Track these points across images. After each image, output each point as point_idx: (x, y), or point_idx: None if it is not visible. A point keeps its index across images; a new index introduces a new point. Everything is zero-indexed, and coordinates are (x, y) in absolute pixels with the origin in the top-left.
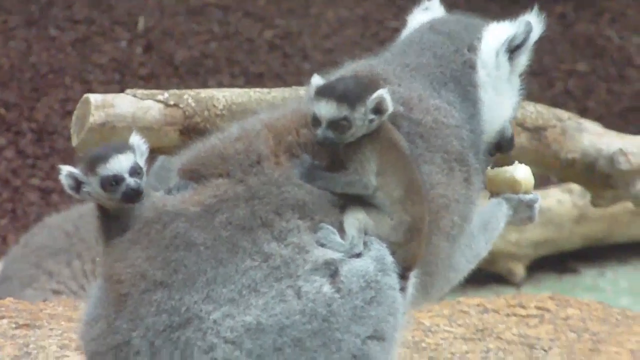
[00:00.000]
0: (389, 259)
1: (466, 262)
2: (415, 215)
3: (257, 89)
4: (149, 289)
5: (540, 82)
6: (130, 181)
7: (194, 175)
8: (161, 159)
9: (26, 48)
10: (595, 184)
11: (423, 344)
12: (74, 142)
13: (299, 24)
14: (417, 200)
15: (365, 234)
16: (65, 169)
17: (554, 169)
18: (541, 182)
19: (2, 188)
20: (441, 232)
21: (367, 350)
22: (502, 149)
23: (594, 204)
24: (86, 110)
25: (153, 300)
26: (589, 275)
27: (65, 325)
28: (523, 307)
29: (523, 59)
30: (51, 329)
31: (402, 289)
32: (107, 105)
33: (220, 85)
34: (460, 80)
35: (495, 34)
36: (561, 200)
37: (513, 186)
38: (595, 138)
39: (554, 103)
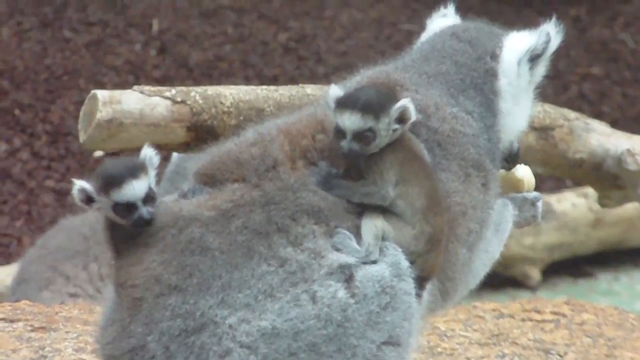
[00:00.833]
0: (405, 264)
1: (483, 265)
2: (436, 226)
3: (265, 87)
4: (164, 293)
5: (555, 86)
6: (143, 211)
7: (209, 180)
8: (174, 162)
9: (41, 50)
10: (602, 184)
11: (439, 349)
12: (81, 138)
13: (313, 26)
14: (438, 211)
15: (383, 239)
16: (78, 184)
17: (561, 169)
18: (556, 185)
19: (17, 190)
20: (458, 239)
21: (382, 356)
22: (507, 161)
23: (601, 204)
24: (94, 107)
25: (168, 304)
26: (604, 280)
27: (81, 328)
28: (538, 312)
29: (541, 70)
30: (67, 332)
31: (418, 295)
32: (114, 102)
33: None
34: (482, 88)
35: (517, 43)
36: (576, 204)
37: (516, 186)
38: (603, 138)
39: (569, 107)
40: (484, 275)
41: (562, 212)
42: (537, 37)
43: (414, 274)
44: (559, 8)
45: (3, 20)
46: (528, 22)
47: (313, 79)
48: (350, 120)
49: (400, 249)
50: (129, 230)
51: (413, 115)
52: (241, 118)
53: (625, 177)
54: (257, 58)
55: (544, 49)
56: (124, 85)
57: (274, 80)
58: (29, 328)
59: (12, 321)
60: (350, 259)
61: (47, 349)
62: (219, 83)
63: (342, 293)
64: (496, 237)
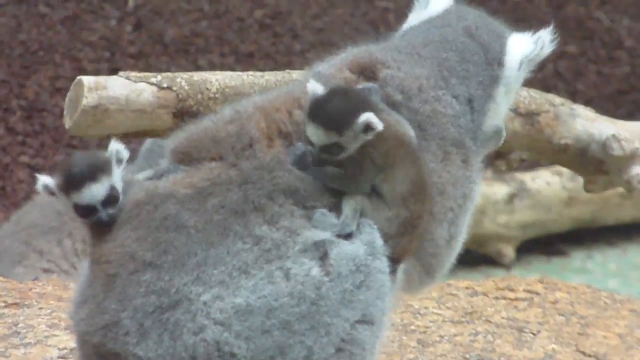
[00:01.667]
0: (379, 242)
1: (463, 236)
2: (414, 212)
3: (251, 73)
4: (138, 270)
5: None
6: (102, 214)
7: (185, 158)
8: (149, 141)
9: (16, 25)
10: (587, 169)
11: (412, 327)
12: (67, 124)
13: (289, 3)
14: (419, 199)
15: (361, 215)
16: (42, 180)
17: (546, 154)
18: (530, 164)
19: None
20: (435, 218)
21: (355, 335)
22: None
23: (587, 189)
24: (79, 93)
25: (142, 281)
26: (577, 258)
27: (55, 304)
28: (512, 290)
29: (530, 69)
30: (40, 308)
31: (392, 273)
32: (100, 88)
33: (210, 64)
34: (485, 86)
35: (518, 49)
36: (550, 182)
37: None
38: (588, 123)
39: (544, 85)
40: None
41: (536, 190)
42: (535, 43)
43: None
44: None
45: None
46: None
47: (289, 55)
48: (316, 135)
49: (375, 227)
50: None
51: (379, 126)
52: (227, 104)
53: (610, 162)
54: (233, 34)
55: (539, 54)
56: (99, 61)
57: (250, 57)
58: (2, 304)
59: None
60: (324, 235)
61: (20, 325)
62: (195, 59)
63: (316, 271)
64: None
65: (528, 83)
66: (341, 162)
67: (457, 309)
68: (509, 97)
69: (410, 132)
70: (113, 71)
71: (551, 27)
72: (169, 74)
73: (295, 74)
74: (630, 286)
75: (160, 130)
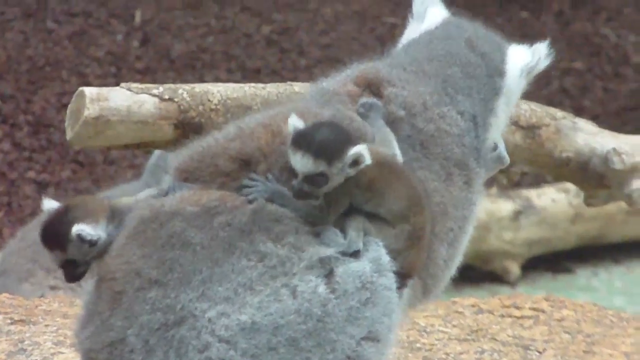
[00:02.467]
0: (386, 259)
1: (460, 257)
2: (416, 224)
3: (252, 84)
4: (144, 287)
5: (537, 80)
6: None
7: (189, 176)
8: (155, 156)
9: (23, 40)
10: (589, 183)
11: (418, 344)
12: (68, 135)
13: (296, 19)
14: (418, 210)
15: (365, 234)
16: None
17: (547, 168)
18: (536, 181)
19: None
20: (437, 237)
21: (361, 351)
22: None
23: (587, 203)
24: (81, 104)
25: (148, 298)
26: (583, 275)
27: (61, 321)
28: (518, 308)
29: (527, 82)
30: (46, 325)
31: (399, 289)
32: (101, 99)
33: (216, 79)
34: (487, 100)
35: (517, 61)
36: (556, 199)
37: None
38: (589, 137)
39: (550, 101)
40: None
41: (542, 207)
42: (532, 55)
43: (394, 269)
44: (541, 2)
45: None
46: (511, 16)
47: (296, 71)
48: (302, 163)
49: (381, 244)
50: None
51: (368, 160)
52: (229, 115)
53: (611, 176)
54: (239, 50)
55: (536, 66)
56: (106, 76)
57: (256, 73)
58: (9, 321)
59: None
60: (330, 251)
61: (26, 342)
62: (201, 75)
63: (322, 288)
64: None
65: (533, 98)
66: (318, 196)
67: (463, 327)
68: (509, 108)
69: (390, 150)
70: None
71: (548, 41)
72: (170, 85)
73: (297, 87)
74: (636, 304)
75: (162, 142)
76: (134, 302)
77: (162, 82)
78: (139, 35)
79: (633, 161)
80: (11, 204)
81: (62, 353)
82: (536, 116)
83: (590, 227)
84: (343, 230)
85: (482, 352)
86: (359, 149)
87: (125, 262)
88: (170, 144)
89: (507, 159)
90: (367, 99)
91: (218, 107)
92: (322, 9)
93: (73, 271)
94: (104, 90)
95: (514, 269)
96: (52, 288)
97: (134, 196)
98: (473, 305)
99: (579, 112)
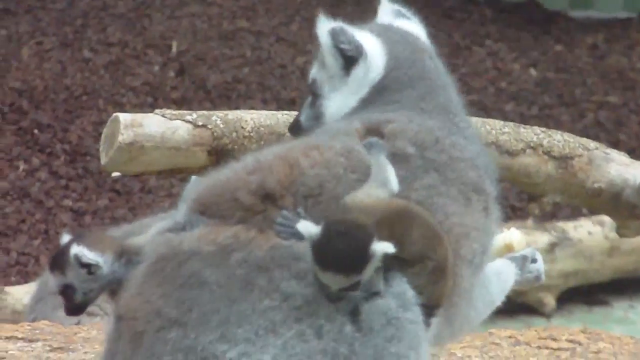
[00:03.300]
0: (410, 293)
1: (483, 304)
2: (439, 257)
3: (285, 112)
4: (164, 327)
5: (571, 114)
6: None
7: (206, 210)
8: (193, 180)
9: (60, 70)
10: (621, 213)
11: None
12: (103, 160)
13: None
14: (436, 243)
15: (388, 270)
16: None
17: (579, 198)
18: (573, 213)
19: (35, 209)
20: (463, 260)
21: None
22: None
23: (620, 234)
24: (115, 129)
25: (168, 338)
26: (619, 308)
27: (99, 349)
28: (554, 339)
29: None
30: (85, 353)
31: (426, 323)
32: (135, 125)
33: (252, 109)
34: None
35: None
36: (592, 232)
37: (507, 251)
38: (622, 168)
39: (585, 134)
40: (483, 319)
41: (578, 240)
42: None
43: (420, 302)
44: (576, 36)
45: (24, 40)
46: (545, 50)
47: None
48: (335, 281)
49: (404, 279)
50: None
51: (390, 250)
52: (262, 143)
53: None
54: (274, 81)
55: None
56: (142, 106)
57: (291, 103)
58: (48, 348)
59: (30, 341)
60: (355, 293)
61: None
62: (236, 105)
63: (348, 327)
64: (497, 282)
65: (568, 130)
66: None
67: (500, 358)
68: None
69: (385, 188)
70: None
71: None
72: (204, 112)
73: None
74: None
75: (195, 168)
76: (155, 343)
77: None
78: (175, 66)
79: None
80: (48, 231)
81: None
82: (569, 147)
83: (627, 260)
84: None
85: None
86: (380, 247)
87: (145, 301)
88: (204, 170)
89: (543, 278)
90: (367, 140)
91: (251, 134)
92: None
93: (72, 299)
94: (138, 116)
95: (550, 300)
96: (89, 314)
97: (148, 231)
98: (510, 337)
99: (614, 145)
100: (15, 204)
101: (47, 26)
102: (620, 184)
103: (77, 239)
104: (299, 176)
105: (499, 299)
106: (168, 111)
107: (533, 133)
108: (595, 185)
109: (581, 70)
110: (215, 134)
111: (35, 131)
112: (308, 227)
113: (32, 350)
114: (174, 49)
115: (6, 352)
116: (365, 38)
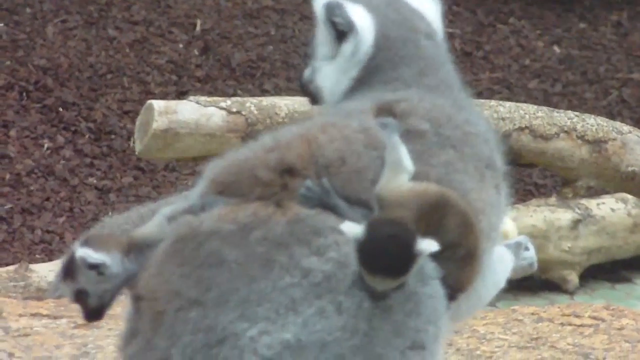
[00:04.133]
0: (429, 266)
1: (492, 283)
2: (470, 244)
3: None
4: (184, 307)
5: (595, 91)
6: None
7: (225, 189)
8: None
9: (85, 48)
10: None
11: (478, 352)
12: (138, 148)
13: None
14: (469, 231)
15: None
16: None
17: (613, 182)
18: (595, 190)
19: (60, 187)
20: (482, 234)
21: None
22: None
23: None
24: (149, 117)
25: (189, 318)
26: None
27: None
28: (577, 316)
29: None
30: (110, 329)
31: (449, 301)
32: (170, 112)
33: (276, 88)
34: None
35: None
36: (615, 209)
37: (504, 238)
38: None
39: (609, 112)
40: (484, 305)
41: (601, 217)
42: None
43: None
44: (600, 13)
45: (48, 19)
46: (569, 27)
47: None
48: (383, 285)
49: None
50: None
51: (434, 247)
52: None
53: None
54: (299, 59)
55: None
56: (166, 84)
57: None
58: (72, 325)
59: (55, 318)
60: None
61: (89, 345)
62: (260, 83)
63: (367, 303)
64: (500, 265)
65: (593, 108)
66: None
67: (522, 335)
68: None
69: (398, 172)
70: (180, 94)
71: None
72: (238, 98)
73: None
74: None
75: None
76: (176, 323)
77: (222, 91)
78: (199, 44)
79: None
80: (73, 209)
81: None
82: (602, 131)
83: None
84: None
85: (542, 359)
86: (425, 246)
87: (165, 281)
88: None
89: (536, 266)
90: (379, 119)
91: (285, 120)
92: None
93: (87, 304)
94: (172, 103)
95: (573, 277)
96: None
97: (160, 211)
98: (533, 314)
99: (638, 123)
100: (40, 181)
101: (71, 4)
102: None
103: (81, 243)
104: (318, 149)
105: (502, 282)
106: (202, 98)
107: (566, 117)
108: (629, 169)
109: (605, 47)
110: (249, 120)
111: (60, 109)
112: (352, 228)
113: (56, 327)
114: (198, 27)
115: (31, 328)
116: (358, 14)
